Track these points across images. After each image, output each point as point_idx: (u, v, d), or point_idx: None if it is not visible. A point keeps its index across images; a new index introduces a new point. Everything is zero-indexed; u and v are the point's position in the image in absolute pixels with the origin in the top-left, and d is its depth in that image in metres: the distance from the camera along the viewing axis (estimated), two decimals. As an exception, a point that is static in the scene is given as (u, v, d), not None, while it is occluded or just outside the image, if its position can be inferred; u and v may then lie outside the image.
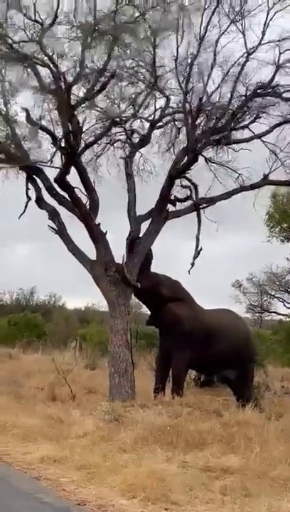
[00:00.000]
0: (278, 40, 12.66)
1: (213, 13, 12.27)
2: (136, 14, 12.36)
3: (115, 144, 14.78)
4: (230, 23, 12.43)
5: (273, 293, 28.33)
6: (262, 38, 12.61)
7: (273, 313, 29.84)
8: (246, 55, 12.70)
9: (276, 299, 28.77)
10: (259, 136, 13.67)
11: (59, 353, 22.25)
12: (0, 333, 31.30)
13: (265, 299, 29.13)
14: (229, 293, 28.42)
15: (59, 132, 12.91)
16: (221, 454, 7.87)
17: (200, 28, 12.35)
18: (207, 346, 12.98)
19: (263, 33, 12.57)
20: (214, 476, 7.08)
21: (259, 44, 12.66)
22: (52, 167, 13.13)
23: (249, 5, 12.40)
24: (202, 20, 12.35)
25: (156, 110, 14.26)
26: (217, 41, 12.40)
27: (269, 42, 12.72)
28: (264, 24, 12.47)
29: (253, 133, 13.70)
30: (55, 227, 13.51)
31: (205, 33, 12.36)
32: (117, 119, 13.98)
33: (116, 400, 11.88)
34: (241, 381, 13.49)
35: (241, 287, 28.67)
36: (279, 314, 29.50)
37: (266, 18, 12.42)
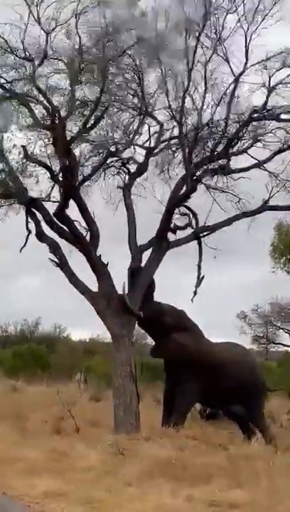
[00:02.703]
0: (263, 61, 12.82)
1: (198, 42, 12.56)
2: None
3: (111, 172, 14.65)
4: (213, 53, 12.71)
5: (278, 324, 28.25)
6: (246, 62, 12.85)
7: (279, 345, 29.68)
8: (234, 80, 12.88)
9: (281, 330, 28.69)
10: (258, 165, 13.67)
11: (63, 385, 22.08)
12: (4, 364, 31.16)
13: (270, 330, 29.00)
14: (234, 324, 28.35)
15: (56, 166, 13.05)
16: (227, 488, 7.77)
17: (187, 57, 12.60)
18: (213, 379, 12.78)
19: (246, 57, 12.82)
20: (220, 511, 6.97)
21: (245, 68, 12.88)
22: (51, 201, 13.38)
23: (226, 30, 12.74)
24: (187, 48, 12.61)
25: (150, 137, 14.36)
26: (205, 69, 12.68)
27: (255, 64, 12.91)
28: (246, 48, 12.74)
29: (252, 157, 13.69)
30: (56, 260, 13.44)
31: (193, 62, 12.60)
32: (113, 149, 14.09)
33: (121, 432, 11.79)
34: (251, 413, 13.43)
35: (246, 318, 28.59)
36: (285, 346, 29.38)
37: (246, 41, 12.72)
